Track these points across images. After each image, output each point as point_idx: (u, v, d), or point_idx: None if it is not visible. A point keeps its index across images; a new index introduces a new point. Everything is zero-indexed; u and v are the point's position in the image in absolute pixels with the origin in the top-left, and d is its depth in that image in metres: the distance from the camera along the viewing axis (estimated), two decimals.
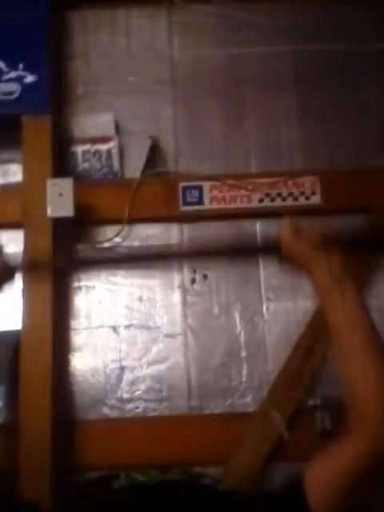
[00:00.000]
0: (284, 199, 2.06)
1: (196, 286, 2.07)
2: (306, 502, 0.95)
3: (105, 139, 2.13)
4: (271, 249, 1.19)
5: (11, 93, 2.04)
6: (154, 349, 2.02)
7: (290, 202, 2.05)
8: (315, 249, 1.14)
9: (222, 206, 2.06)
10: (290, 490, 0.99)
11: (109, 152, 2.12)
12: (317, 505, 0.95)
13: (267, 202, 2.06)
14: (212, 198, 2.06)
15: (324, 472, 0.98)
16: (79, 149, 2.12)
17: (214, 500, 1.01)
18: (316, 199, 2.06)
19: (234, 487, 1.05)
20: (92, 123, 2.15)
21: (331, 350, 1.10)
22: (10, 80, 2.05)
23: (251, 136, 2.18)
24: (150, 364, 2.01)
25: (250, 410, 1.97)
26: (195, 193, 2.06)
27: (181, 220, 2.10)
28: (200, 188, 2.07)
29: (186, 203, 2.06)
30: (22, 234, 1.97)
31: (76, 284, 2.06)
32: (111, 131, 2.14)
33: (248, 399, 1.98)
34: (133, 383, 2.00)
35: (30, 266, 1.42)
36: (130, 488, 1.06)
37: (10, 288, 2.02)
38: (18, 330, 1.91)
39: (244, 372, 2.00)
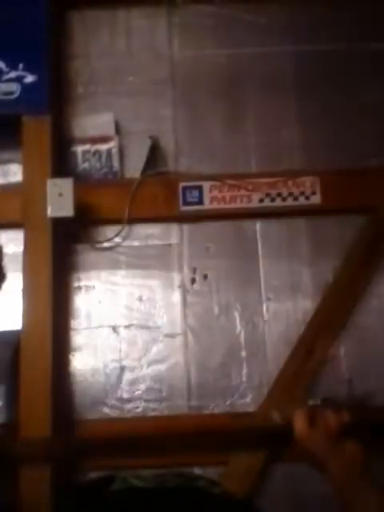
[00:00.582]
0: (284, 199, 2.06)
1: (196, 286, 2.07)
2: None
3: (105, 139, 2.13)
4: (285, 439, 1.10)
5: (11, 93, 2.04)
6: (154, 349, 2.02)
7: (289, 201, 2.06)
8: (331, 441, 1.04)
9: (222, 205, 2.06)
10: None
11: (109, 152, 2.12)
12: None
13: (267, 202, 2.06)
14: (212, 198, 2.06)
15: None
16: (79, 149, 2.12)
17: (208, 503, 1.01)
18: (316, 199, 2.06)
19: (229, 490, 1.05)
20: (92, 123, 2.15)
21: None
22: (10, 80, 2.05)
23: (251, 136, 2.18)
24: (150, 364, 2.01)
25: (250, 410, 1.97)
26: (195, 193, 2.06)
27: (181, 220, 2.10)
28: (200, 188, 2.07)
29: (185, 203, 2.06)
30: (22, 233, 1.97)
31: (76, 284, 2.06)
32: (111, 131, 2.14)
33: (248, 399, 1.98)
34: (133, 383, 2.00)
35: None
36: (128, 491, 1.06)
37: (9, 288, 2.04)
38: (17, 330, 1.91)
39: (244, 372, 2.00)
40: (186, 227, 2.11)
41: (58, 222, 1.95)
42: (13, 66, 2.05)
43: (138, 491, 1.05)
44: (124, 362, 2.01)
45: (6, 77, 2.05)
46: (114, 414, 1.97)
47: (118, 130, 2.15)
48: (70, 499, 1.07)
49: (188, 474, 1.16)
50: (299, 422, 1.06)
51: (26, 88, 2.04)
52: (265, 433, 1.18)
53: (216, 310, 2.05)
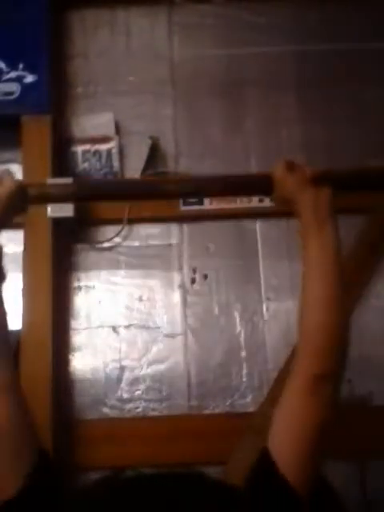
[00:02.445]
0: None
1: (196, 286, 2.07)
2: (277, 471, 0.96)
3: (105, 139, 2.13)
4: (264, 186, 1.20)
5: (11, 93, 2.04)
6: (154, 349, 2.02)
7: None
8: (304, 185, 1.15)
9: (222, 206, 2.06)
10: (260, 467, 0.99)
11: (109, 152, 2.12)
12: (287, 469, 0.96)
13: (267, 202, 2.06)
14: (212, 197, 2.06)
15: (282, 433, 0.99)
16: (79, 149, 2.12)
17: (214, 491, 1.02)
18: None
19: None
20: (92, 123, 2.15)
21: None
22: (10, 80, 2.05)
23: (251, 136, 2.18)
24: (150, 364, 2.01)
25: (250, 410, 1.97)
26: None
27: (181, 220, 2.10)
28: None
29: (186, 203, 2.06)
30: (22, 234, 1.97)
31: (76, 284, 2.06)
32: (111, 131, 2.14)
33: (248, 399, 1.98)
34: (133, 383, 2.00)
35: None
36: (138, 478, 1.06)
37: (9, 288, 2.04)
38: (18, 330, 1.91)
39: (244, 372, 2.00)
40: (186, 227, 2.11)
41: (57, 222, 1.95)
42: (13, 66, 2.05)
43: (150, 478, 1.06)
44: (124, 362, 2.01)
45: (5, 77, 2.05)
46: (114, 414, 1.97)
47: (118, 130, 2.15)
48: (78, 493, 1.08)
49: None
50: (278, 168, 1.17)
51: (26, 88, 2.04)
52: (247, 181, 1.25)
53: (216, 310, 2.05)
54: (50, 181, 1.94)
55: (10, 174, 1.20)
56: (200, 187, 1.25)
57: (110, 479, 1.09)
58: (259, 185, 1.24)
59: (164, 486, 1.01)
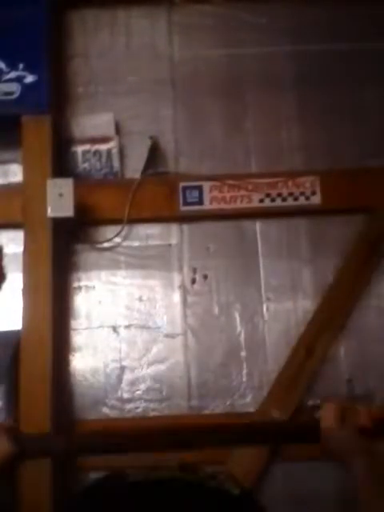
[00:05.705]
0: (284, 199, 2.06)
1: (196, 286, 2.07)
2: None
3: (105, 139, 2.13)
4: (311, 435, 1.06)
5: (11, 93, 2.04)
6: (154, 349, 2.02)
7: (290, 202, 2.06)
8: (357, 441, 1.00)
9: (222, 205, 2.06)
10: None
11: (109, 152, 2.12)
12: None
13: (267, 202, 2.06)
14: (212, 197, 2.06)
15: None
16: (79, 149, 2.12)
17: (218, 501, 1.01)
18: (316, 199, 2.06)
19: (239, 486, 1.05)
20: (92, 123, 2.15)
21: None
22: (10, 80, 2.05)
23: (251, 136, 2.18)
24: (150, 364, 2.01)
25: (250, 410, 1.97)
26: (195, 193, 2.06)
27: (181, 220, 2.10)
28: (200, 188, 2.07)
29: (185, 203, 2.06)
30: (22, 233, 1.97)
31: (76, 284, 2.06)
32: (111, 131, 2.14)
33: (248, 399, 1.98)
34: (133, 383, 2.00)
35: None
36: (146, 482, 1.06)
37: (9, 288, 2.04)
38: (18, 330, 1.91)
39: (244, 372, 2.00)
40: (185, 227, 2.11)
41: (58, 222, 1.95)
42: (13, 66, 2.05)
43: (156, 482, 1.05)
44: (124, 362, 2.01)
45: (6, 77, 2.05)
46: (114, 414, 1.98)
47: (118, 130, 2.15)
48: (81, 495, 1.07)
49: (192, 468, 1.17)
50: (327, 417, 1.02)
51: (26, 88, 2.04)
52: (291, 428, 1.15)
53: (216, 310, 2.05)
54: (50, 181, 1.95)
55: (1, 433, 1.03)
56: (244, 435, 1.14)
57: (108, 483, 1.08)
58: (304, 435, 1.10)
59: (163, 492, 1.00)
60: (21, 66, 2.05)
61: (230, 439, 1.15)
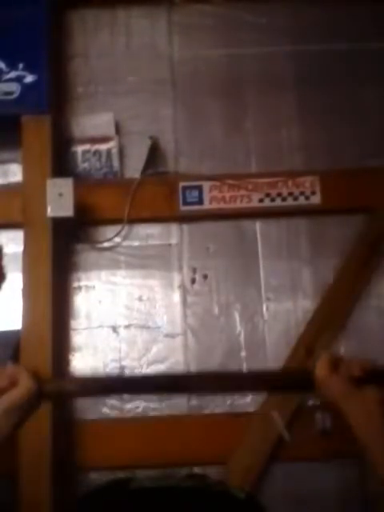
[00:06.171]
0: (284, 199, 2.06)
1: (196, 286, 2.07)
2: None
3: (105, 139, 2.13)
4: (306, 383, 1.09)
5: (11, 93, 2.04)
6: (154, 349, 2.02)
7: (290, 201, 2.06)
8: (350, 389, 1.04)
9: (222, 205, 2.06)
10: None
11: (109, 152, 2.12)
12: None
13: (267, 202, 2.06)
14: (212, 197, 2.06)
15: None
16: (79, 149, 2.12)
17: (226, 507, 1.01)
18: (316, 199, 2.06)
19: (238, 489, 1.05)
20: (92, 123, 2.15)
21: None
22: (9, 80, 2.05)
23: (251, 136, 2.18)
24: (149, 364, 2.01)
25: (250, 410, 1.97)
26: (195, 193, 2.06)
27: (181, 220, 2.10)
28: (200, 188, 2.07)
29: (185, 203, 2.06)
30: (22, 233, 1.97)
31: (76, 284, 2.06)
32: (111, 131, 2.14)
33: (248, 399, 1.98)
34: None
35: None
36: (145, 490, 1.05)
37: (9, 288, 2.04)
38: (17, 330, 1.91)
39: None
40: (185, 227, 2.11)
41: (57, 222, 1.95)
42: (13, 66, 2.05)
43: (156, 491, 1.05)
44: (124, 362, 2.01)
45: (6, 77, 2.05)
46: (114, 413, 1.97)
47: (117, 130, 2.15)
48: (86, 500, 1.07)
49: (203, 478, 1.16)
50: (321, 367, 1.06)
51: (25, 88, 2.04)
52: (286, 378, 1.20)
53: (216, 310, 2.05)
54: (50, 181, 1.95)
55: (23, 370, 1.09)
56: (236, 384, 1.17)
57: (111, 490, 1.08)
58: (298, 382, 1.14)
59: (167, 498, 1.00)
60: (21, 65, 2.05)
61: (228, 385, 1.20)
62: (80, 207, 1.95)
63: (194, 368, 2.01)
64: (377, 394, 1.04)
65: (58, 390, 1.18)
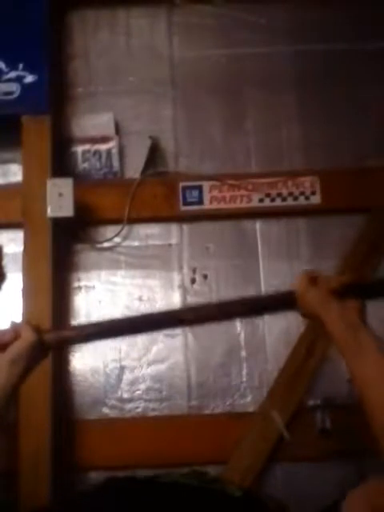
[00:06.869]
0: (284, 199, 2.06)
1: (196, 286, 2.07)
2: None
3: (105, 139, 2.13)
4: (288, 301, 1.16)
5: (11, 93, 2.04)
6: (154, 349, 2.02)
7: (289, 201, 2.06)
8: (328, 300, 1.10)
9: (222, 205, 2.06)
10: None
11: (109, 152, 2.12)
12: None
13: (267, 202, 2.06)
14: (212, 197, 2.06)
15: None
16: (79, 149, 2.13)
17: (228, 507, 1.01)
18: (316, 199, 2.06)
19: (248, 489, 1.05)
20: (92, 123, 2.15)
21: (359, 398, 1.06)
22: (9, 80, 2.05)
23: (251, 136, 2.18)
24: (149, 364, 2.01)
25: (250, 410, 1.97)
26: (195, 193, 2.06)
27: (181, 220, 2.10)
28: (200, 188, 2.07)
29: (186, 203, 2.06)
30: (22, 233, 1.97)
31: (76, 284, 2.06)
32: (111, 131, 2.14)
33: (248, 399, 1.98)
34: (133, 383, 2.00)
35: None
36: (148, 485, 1.06)
37: (9, 288, 2.04)
38: None
39: (244, 372, 2.00)
40: (185, 227, 2.11)
41: (57, 222, 1.95)
42: (13, 66, 2.05)
43: (162, 485, 1.05)
44: (124, 362, 2.01)
45: (5, 77, 2.05)
46: (114, 414, 1.97)
47: (117, 130, 2.15)
48: (82, 496, 1.07)
49: (203, 475, 1.17)
50: (300, 281, 1.13)
51: (25, 88, 2.04)
52: (270, 299, 1.25)
53: None
54: (50, 181, 1.95)
55: (25, 324, 1.18)
56: (223, 310, 1.23)
57: (110, 486, 1.08)
58: (282, 302, 1.20)
59: (165, 495, 1.00)
60: (21, 65, 2.05)
61: (215, 314, 1.25)
62: (80, 207, 1.95)
63: (194, 368, 2.01)
64: (355, 302, 1.10)
65: (58, 338, 1.23)
